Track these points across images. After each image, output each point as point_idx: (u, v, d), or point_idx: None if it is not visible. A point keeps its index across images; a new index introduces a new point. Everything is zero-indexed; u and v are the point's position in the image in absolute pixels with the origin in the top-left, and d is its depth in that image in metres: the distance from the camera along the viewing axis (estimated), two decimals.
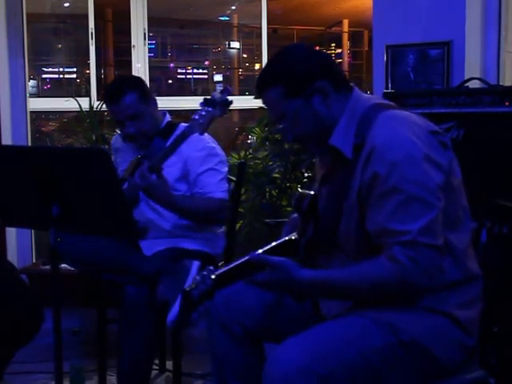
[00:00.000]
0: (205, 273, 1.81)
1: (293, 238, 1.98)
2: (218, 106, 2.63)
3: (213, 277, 1.80)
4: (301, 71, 1.89)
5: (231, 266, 1.85)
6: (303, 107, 1.90)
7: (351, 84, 1.98)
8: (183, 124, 2.96)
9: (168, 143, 2.79)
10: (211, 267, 1.85)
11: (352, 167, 1.84)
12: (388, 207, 1.75)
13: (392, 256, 1.73)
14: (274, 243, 1.95)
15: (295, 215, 2.11)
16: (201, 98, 2.71)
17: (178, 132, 2.84)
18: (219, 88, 2.77)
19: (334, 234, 1.91)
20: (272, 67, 1.95)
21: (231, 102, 2.69)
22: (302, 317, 2.02)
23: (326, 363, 1.71)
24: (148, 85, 3.20)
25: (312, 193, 1.99)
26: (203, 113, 2.62)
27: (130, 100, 2.85)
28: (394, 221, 1.74)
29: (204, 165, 2.87)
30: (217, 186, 2.86)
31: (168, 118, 3.05)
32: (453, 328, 1.83)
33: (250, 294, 2.01)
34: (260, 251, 1.86)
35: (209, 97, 2.66)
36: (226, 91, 2.68)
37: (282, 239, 1.99)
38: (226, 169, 2.95)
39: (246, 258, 1.82)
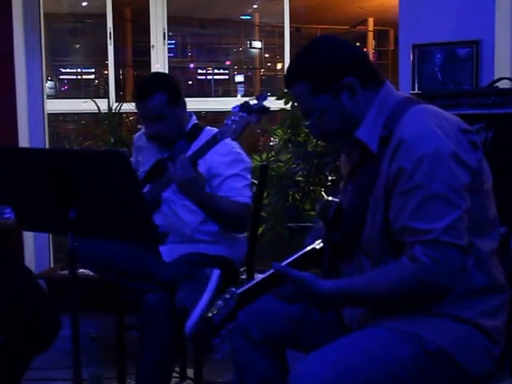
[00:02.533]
0: (227, 296, 1.78)
1: (317, 247, 1.94)
2: (253, 112, 2.57)
3: (235, 298, 1.77)
4: (327, 68, 1.86)
5: (254, 282, 1.81)
6: (330, 104, 1.87)
7: (382, 77, 1.94)
8: (209, 128, 2.94)
9: (193, 146, 2.77)
10: (233, 289, 1.80)
11: (378, 160, 1.82)
12: (411, 204, 1.73)
13: (412, 255, 1.70)
14: (297, 254, 1.91)
15: (318, 224, 2.07)
16: (222, 100, 2.65)
17: (203, 135, 2.83)
18: (240, 89, 2.72)
19: (359, 233, 1.88)
20: (299, 62, 1.92)
21: (268, 109, 2.62)
22: (325, 325, 1.99)
23: (350, 378, 1.70)
24: None
25: (337, 200, 1.96)
26: (237, 118, 2.55)
27: (158, 101, 2.83)
28: (416, 219, 1.72)
29: (229, 170, 2.83)
30: (241, 191, 2.83)
31: (194, 120, 3.02)
32: (478, 336, 1.79)
33: (271, 300, 1.97)
34: (284, 263, 1.83)
35: (243, 101, 2.60)
36: (262, 97, 2.62)
37: (306, 249, 1.94)
38: (250, 176, 2.92)
39: (271, 271, 1.78)
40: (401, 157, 1.75)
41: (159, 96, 2.82)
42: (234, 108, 2.59)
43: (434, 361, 1.75)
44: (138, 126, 3.06)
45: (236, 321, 1.97)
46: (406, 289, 1.73)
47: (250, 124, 2.58)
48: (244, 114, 2.55)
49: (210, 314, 1.78)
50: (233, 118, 2.56)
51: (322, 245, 1.94)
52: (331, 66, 1.86)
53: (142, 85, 2.93)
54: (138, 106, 2.90)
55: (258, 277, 1.82)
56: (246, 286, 1.80)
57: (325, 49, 1.90)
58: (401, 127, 1.78)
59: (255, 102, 2.59)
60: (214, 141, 2.58)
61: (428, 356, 1.74)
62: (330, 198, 1.98)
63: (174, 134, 2.90)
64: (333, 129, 1.91)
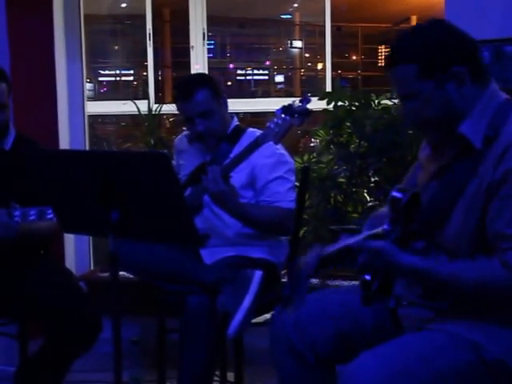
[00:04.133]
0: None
1: (380, 231, 1.87)
2: (296, 114, 2.53)
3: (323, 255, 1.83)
4: (440, 53, 1.80)
5: (334, 248, 1.85)
6: (435, 91, 1.81)
7: (489, 75, 1.89)
8: (251, 129, 2.92)
9: (235, 148, 2.76)
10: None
11: (477, 159, 1.77)
12: (510, 211, 1.69)
13: (505, 262, 1.67)
14: (363, 234, 1.87)
15: (381, 210, 2.05)
16: (261, 100, 2.63)
17: (246, 138, 2.80)
18: (280, 87, 2.71)
19: (437, 228, 1.83)
20: (410, 42, 1.84)
21: (311, 112, 2.58)
22: (378, 340, 1.92)
23: (403, 380, 1.68)
24: None
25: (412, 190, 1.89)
26: (279, 121, 2.53)
27: (203, 96, 2.80)
28: None
29: (273, 172, 2.80)
30: (285, 196, 2.79)
31: (236, 121, 2.99)
32: None
33: (324, 321, 2.00)
34: (352, 240, 1.83)
35: (287, 104, 2.57)
36: (306, 100, 2.58)
37: (372, 232, 1.87)
38: (294, 177, 2.88)
39: (345, 243, 1.81)
40: (510, 159, 1.71)
41: (203, 91, 2.81)
42: (277, 111, 2.56)
43: (491, 370, 1.72)
44: (184, 128, 3.04)
45: (284, 337, 2.02)
46: (494, 290, 1.71)
47: (292, 127, 2.55)
48: (287, 117, 2.52)
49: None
50: (275, 120, 2.53)
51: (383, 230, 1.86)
52: (444, 51, 1.80)
53: (184, 85, 2.92)
54: (182, 107, 2.88)
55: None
56: (330, 250, 1.86)
57: (440, 33, 1.83)
58: (509, 129, 1.75)
59: (298, 104, 2.55)
60: (256, 145, 2.56)
61: (485, 365, 1.72)
62: (405, 187, 1.93)
63: (223, 131, 2.89)
64: (432, 118, 1.84)
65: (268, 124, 2.55)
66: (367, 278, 1.99)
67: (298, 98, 2.60)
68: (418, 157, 2.09)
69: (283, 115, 2.53)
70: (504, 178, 1.70)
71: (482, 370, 1.72)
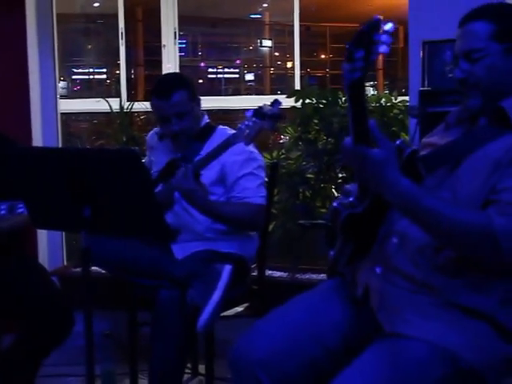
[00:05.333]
0: None
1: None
2: (267, 118, 2.56)
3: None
4: None
5: None
6: (500, 56, 1.83)
7: None
8: (221, 127, 2.95)
9: (206, 146, 2.79)
10: None
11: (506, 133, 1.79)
12: None
13: (504, 211, 1.68)
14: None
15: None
16: (232, 98, 2.67)
17: (216, 135, 2.85)
18: (250, 85, 2.73)
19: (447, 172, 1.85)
20: (493, 6, 1.88)
21: (282, 116, 2.62)
22: (350, 357, 1.84)
23: None
24: None
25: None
26: (250, 123, 2.55)
27: (180, 97, 2.84)
28: None
29: (243, 169, 2.83)
30: (255, 192, 2.83)
31: (206, 119, 3.03)
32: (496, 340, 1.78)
33: (293, 353, 1.88)
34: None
35: (258, 107, 2.59)
36: (277, 104, 2.60)
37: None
38: (264, 174, 2.92)
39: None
40: None
41: (181, 92, 2.84)
42: (248, 113, 2.59)
43: (466, 380, 1.73)
44: (156, 127, 3.07)
45: (247, 369, 1.87)
46: (476, 230, 1.67)
47: (263, 130, 2.57)
48: (258, 120, 2.55)
49: None
50: (246, 122, 2.56)
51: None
52: None
53: (163, 84, 2.94)
54: (158, 105, 2.88)
55: None
56: None
57: None
58: None
59: (269, 108, 2.57)
60: (227, 145, 2.58)
61: (460, 376, 1.72)
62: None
63: (196, 130, 2.92)
64: (483, 81, 1.84)
65: (239, 125, 2.58)
66: (331, 253, 2.03)
67: (269, 101, 2.62)
68: (422, 143, 2.07)
69: (254, 118, 2.56)
70: None
71: (457, 381, 1.72)
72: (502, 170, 1.74)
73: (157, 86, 2.95)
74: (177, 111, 2.83)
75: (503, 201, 1.69)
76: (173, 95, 2.82)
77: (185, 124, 2.86)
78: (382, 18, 1.55)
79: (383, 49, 1.53)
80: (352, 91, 1.60)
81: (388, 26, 1.53)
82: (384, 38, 1.53)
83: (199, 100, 2.97)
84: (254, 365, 1.85)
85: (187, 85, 2.90)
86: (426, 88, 3.23)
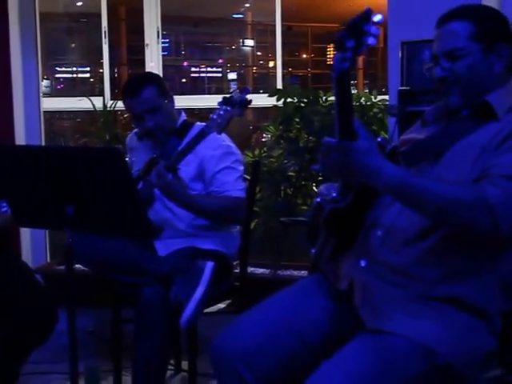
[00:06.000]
0: None
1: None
2: (236, 105, 2.62)
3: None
4: (497, 24, 1.92)
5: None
6: (479, 55, 1.88)
7: None
8: (199, 123, 2.97)
9: (184, 142, 2.79)
10: None
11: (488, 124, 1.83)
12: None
13: (495, 182, 1.70)
14: None
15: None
16: (215, 97, 2.70)
17: (193, 131, 2.84)
18: (233, 86, 2.77)
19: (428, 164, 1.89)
20: (470, 7, 1.93)
21: (250, 102, 2.67)
22: (329, 351, 1.87)
23: None
24: None
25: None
26: (221, 112, 2.60)
27: (150, 93, 2.87)
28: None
29: (220, 163, 2.86)
30: (233, 185, 2.86)
31: (183, 116, 3.05)
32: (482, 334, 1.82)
33: (272, 346, 1.91)
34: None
35: (228, 96, 2.65)
36: (246, 90, 2.67)
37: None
38: (243, 167, 2.94)
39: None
40: None
41: (149, 89, 2.87)
42: (219, 102, 2.64)
43: (442, 375, 1.76)
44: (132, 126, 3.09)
45: (239, 377, 1.88)
46: (469, 201, 1.68)
47: (234, 116, 2.62)
48: (228, 108, 2.61)
49: None
50: (217, 112, 2.61)
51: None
52: (500, 24, 1.91)
53: (130, 83, 2.98)
54: (130, 104, 2.92)
55: None
56: None
57: (498, 11, 1.97)
58: None
59: (239, 95, 2.63)
60: (201, 136, 2.61)
61: (436, 371, 1.75)
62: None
63: (171, 126, 2.95)
64: (463, 79, 1.89)
65: (211, 116, 2.62)
66: (312, 251, 2.06)
67: (239, 89, 2.69)
68: (400, 141, 2.10)
69: (225, 106, 2.61)
70: None
71: (434, 376, 1.75)
72: (489, 153, 1.78)
73: (126, 86, 2.98)
74: (147, 107, 2.86)
75: (494, 174, 1.72)
76: (141, 92, 2.85)
77: (158, 119, 2.89)
78: (371, 9, 1.58)
79: (371, 40, 1.56)
80: (340, 82, 1.63)
81: (377, 18, 1.56)
82: (373, 29, 1.56)
83: (172, 97, 3.00)
84: (234, 359, 1.89)
85: (155, 81, 2.93)
86: (404, 87, 3.25)
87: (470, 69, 1.88)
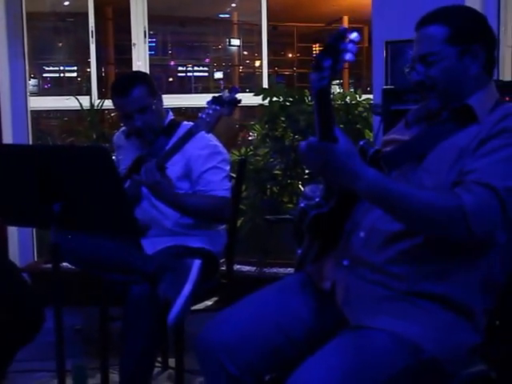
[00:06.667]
0: None
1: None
2: (225, 104, 2.64)
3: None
4: (472, 26, 1.91)
5: None
6: (455, 59, 1.88)
7: (493, 74, 2.00)
8: (186, 122, 2.99)
9: (171, 141, 2.80)
10: None
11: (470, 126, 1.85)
12: (490, 159, 1.76)
13: (470, 189, 1.71)
14: None
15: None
16: (201, 96, 2.72)
17: (181, 130, 2.86)
18: (220, 83, 2.78)
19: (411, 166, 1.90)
20: (447, 8, 1.94)
21: (239, 101, 2.69)
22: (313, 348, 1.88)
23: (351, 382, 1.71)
24: None
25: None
26: (210, 111, 2.62)
27: (139, 93, 2.88)
28: (489, 171, 1.74)
29: (207, 163, 2.88)
30: (219, 184, 2.88)
31: (171, 116, 3.06)
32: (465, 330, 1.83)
33: (255, 340, 1.94)
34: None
35: (217, 95, 2.67)
36: (234, 90, 2.69)
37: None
38: (229, 167, 2.97)
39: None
40: (507, 121, 1.80)
41: (139, 88, 2.88)
42: (207, 102, 2.66)
43: (426, 370, 1.78)
44: (121, 124, 3.10)
45: (222, 368, 1.91)
46: (443, 208, 1.70)
47: (222, 116, 2.64)
48: (217, 107, 2.63)
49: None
50: (206, 111, 2.63)
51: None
52: (476, 26, 1.91)
53: (120, 82, 2.99)
54: (119, 104, 2.93)
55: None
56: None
57: (474, 12, 1.97)
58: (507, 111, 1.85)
59: (227, 94, 2.65)
60: (190, 135, 2.63)
61: (421, 366, 1.77)
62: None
63: (159, 126, 2.96)
64: (439, 84, 1.90)
65: (200, 114, 2.64)
66: (298, 252, 2.08)
67: (227, 89, 2.71)
68: (382, 141, 2.13)
69: (214, 105, 2.63)
70: (498, 134, 1.78)
71: (418, 371, 1.77)
72: (467, 156, 1.79)
73: (115, 86, 2.99)
74: (137, 106, 2.87)
75: (469, 180, 1.74)
76: (131, 91, 2.87)
77: (147, 119, 2.90)
78: (347, 27, 1.61)
79: (349, 57, 1.57)
80: (319, 98, 1.64)
81: (353, 36, 1.58)
82: (350, 46, 1.57)
83: (160, 96, 3.02)
84: (218, 351, 1.92)
85: (145, 80, 2.95)
86: (388, 86, 3.26)
87: (445, 73, 1.89)
